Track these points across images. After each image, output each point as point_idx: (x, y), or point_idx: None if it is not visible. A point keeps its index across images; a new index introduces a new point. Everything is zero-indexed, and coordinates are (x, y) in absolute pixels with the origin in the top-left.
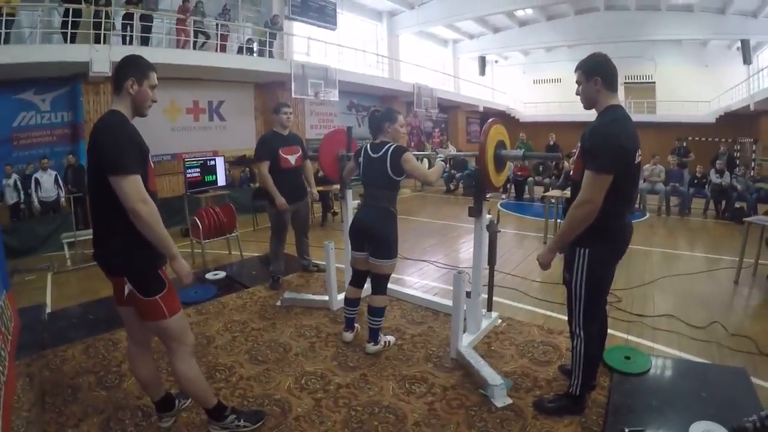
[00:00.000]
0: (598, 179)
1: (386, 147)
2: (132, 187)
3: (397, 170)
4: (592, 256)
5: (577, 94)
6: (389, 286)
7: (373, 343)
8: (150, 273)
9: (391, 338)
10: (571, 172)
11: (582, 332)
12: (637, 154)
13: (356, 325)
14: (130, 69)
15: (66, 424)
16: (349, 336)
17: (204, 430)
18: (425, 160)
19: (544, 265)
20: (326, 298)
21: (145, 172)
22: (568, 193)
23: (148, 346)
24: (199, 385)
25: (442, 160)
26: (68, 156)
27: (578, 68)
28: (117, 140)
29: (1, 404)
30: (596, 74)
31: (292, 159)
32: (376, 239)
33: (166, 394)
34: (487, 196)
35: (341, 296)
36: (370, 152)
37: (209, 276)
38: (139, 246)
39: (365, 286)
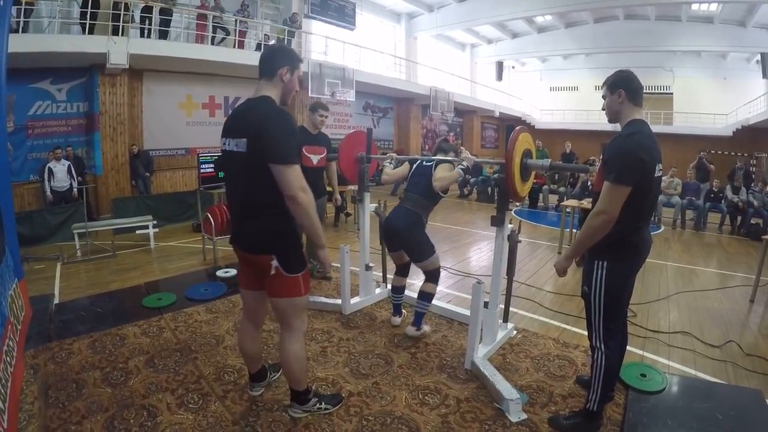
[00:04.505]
0: (615, 191)
1: (437, 159)
2: (294, 176)
3: None
4: (610, 269)
5: (602, 109)
6: (406, 293)
7: (416, 328)
8: (297, 252)
9: (426, 328)
10: (589, 183)
11: (603, 346)
12: (658, 168)
13: (403, 311)
14: (285, 57)
15: (69, 420)
16: (397, 320)
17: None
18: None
19: (560, 272)
20: (339, 301)
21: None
22: (584, 203)
23: (261, 327)
24: (304, 366)
25: (462, 169)
26: (67, 148)
27: (604, 83)
28: (284, 130)
29: (9, 395)
30: (620, 87)
31: (314, 159)
32: (405, 244)
33: (261, 366)
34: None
35: (354, 300)
36: (424, 161)
37: (220, 273)
38: (289, 227)
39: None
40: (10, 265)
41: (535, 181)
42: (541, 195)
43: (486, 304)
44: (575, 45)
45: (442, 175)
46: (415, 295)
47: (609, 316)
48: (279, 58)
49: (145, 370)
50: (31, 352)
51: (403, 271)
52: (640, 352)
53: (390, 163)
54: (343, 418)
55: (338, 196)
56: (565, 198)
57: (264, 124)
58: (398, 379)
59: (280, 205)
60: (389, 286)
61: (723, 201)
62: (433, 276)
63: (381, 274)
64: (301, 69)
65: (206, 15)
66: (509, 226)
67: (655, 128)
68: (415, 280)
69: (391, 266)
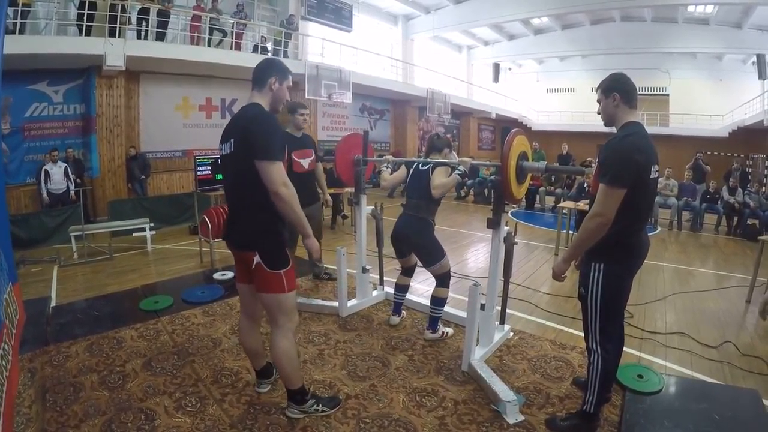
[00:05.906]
0: (610, 193)
1: (433, 163)
2: (277, 172)
3: None
4: (607, 271)
5: (598, 113)
6: (407, 296)
7: (431, 331)
8: (278, 249)
9: (449, 330)
10: (586, 185)
11: (599, 348)
12: (654, 169)
13: (403, 311)
14: (274, 69)
15: (67, 423)
16: (395, 319)
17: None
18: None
19: (558, 275)
20: (336, 304)
21: (286, 159)
22: (581, 204)
23: (259, 322)
24: (295, 364)
25: (459, 174)
26: (67, 150)
27: (598, 87)
28: (268, 130)
29: (4, 399)
30: (614, 90)
31: (305, 163)
32: (414, 249)
33: (266, 363)
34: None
35: (352, 303)
36: (420, 165)
37: (217, 276)
38: (272, 225)
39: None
40: (4, 268)
41: (531, 182)
42: (537, 196)
43: (482, 306)
44: (572, 47)
45: (440, 182)
46: (416, 299)
47: (606, 318)
48: (268, 70)
49: (143, 373)
50: (28, 355)
51: (408, 272)
52: (637, 353)
53: (387, 167)
54: (340, 420)
55: (328, 197)
56: (561, 199)
57: (249, 124)
58: (395, 382)
59: (265, 203)
60: (386, 288)
61: (719, 202)
62: (443, 280)
63: (378, 277)
64: (290, 80)
65: (200, 16)
66: (505, 228)
67: (651, 130)
68: (414, 282)
69: (390, 268)
